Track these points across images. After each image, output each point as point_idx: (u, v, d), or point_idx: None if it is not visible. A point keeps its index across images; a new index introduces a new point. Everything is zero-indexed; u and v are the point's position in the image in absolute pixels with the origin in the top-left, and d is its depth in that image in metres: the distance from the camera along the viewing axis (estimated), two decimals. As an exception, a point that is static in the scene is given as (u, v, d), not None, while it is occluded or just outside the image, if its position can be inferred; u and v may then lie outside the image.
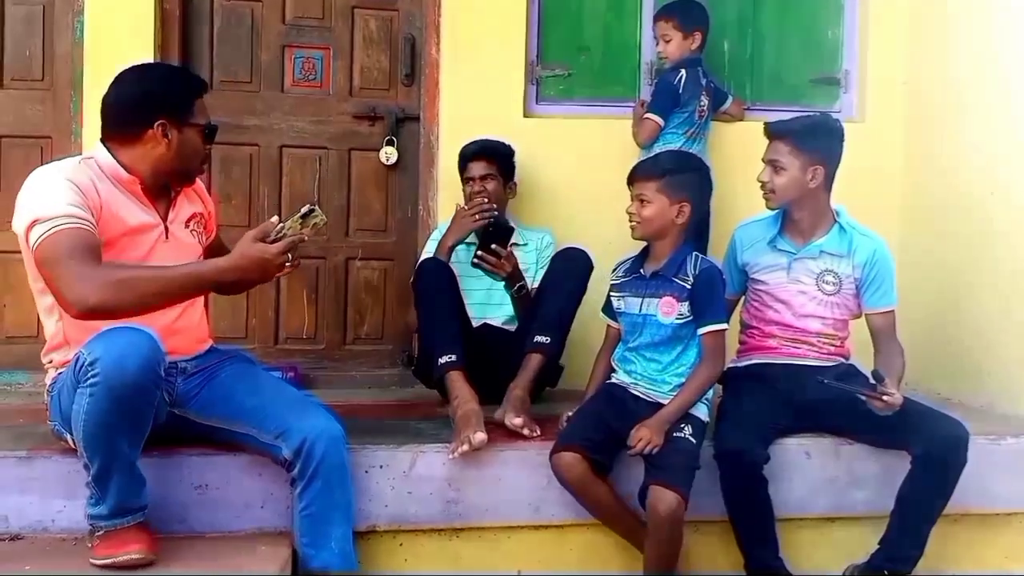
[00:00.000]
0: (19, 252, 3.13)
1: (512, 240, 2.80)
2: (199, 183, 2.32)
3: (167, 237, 2.14)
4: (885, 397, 2.20)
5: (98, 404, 1.82)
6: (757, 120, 3.40)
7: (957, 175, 3.18)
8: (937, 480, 2.27)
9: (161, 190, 2.16)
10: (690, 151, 3.05)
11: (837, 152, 2.50)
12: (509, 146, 3.01)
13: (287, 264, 1.98)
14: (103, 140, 2.13)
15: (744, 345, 2.62)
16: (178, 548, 2.04)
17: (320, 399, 2.23)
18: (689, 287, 2.29)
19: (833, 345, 2.54)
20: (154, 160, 2.09)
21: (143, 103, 2.09)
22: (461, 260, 2.82)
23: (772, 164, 2.48)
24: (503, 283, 2.74)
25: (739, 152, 3.38)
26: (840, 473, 2.48)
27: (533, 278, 2.87)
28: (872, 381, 2.24)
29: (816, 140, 2.47)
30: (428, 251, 2.92)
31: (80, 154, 2.19)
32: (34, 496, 2.13)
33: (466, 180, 2.95)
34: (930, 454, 2.26)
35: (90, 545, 1.96)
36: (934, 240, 3.21)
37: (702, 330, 2.29)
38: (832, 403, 2.37)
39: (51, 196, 1.93)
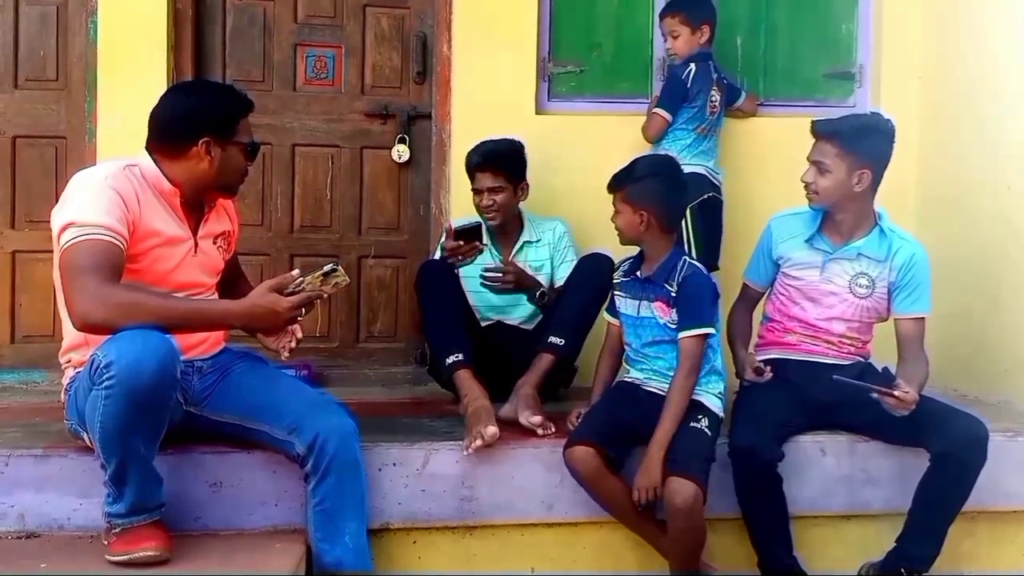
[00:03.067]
0: (33, 252, 3.24)
1: (523, 239, 2.85)
2: (229, 202, 2.34)
3: (196, 252, 2.16)
4: (897, 393, 2.18)
5: (114, 406, 1.83)
6: (770, 116, 3.43)
7: (973, 169, 3.15)
8: (955, 479, 2.25)
9: (195, 205, 2.19)
10: (689, 152, 3.03)
11: (886, 154, 2.41)
12: (517, 145, 2.87)
13: (299, 318, 2.01)
14: (148, 149, 2.15)
15: (762, 339, 2.60)
16: (193, 545, 2.05)
17: (334, 396, 2.23)
18: (675, 294, 2.28)
19: (854, 346, 2.51)
20: (196, 175, 2.12)
21: (189, 120, 2.11)
22: (485, 263, 2.83)
23: (817, 165, 2.40)
24: (526, 295, 2.76)
25: (752, 148, 3.38)
26: (856, 471, 2.46)
27: (549, 275, 2.87)
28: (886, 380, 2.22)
29: (865, 142, 2.38)
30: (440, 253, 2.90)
31: (119, 157, 2.19)
32: (50, 494, 2.15)
33: (475, 190, 2.86)
34: (948, 452, 2.24)
35: (106, 542, 1.97)
36: (950, 235, 3.18)
37: (681, 334, 2.26)
38: (848, 401, 2.35)
39: (92, 202, 1.96)
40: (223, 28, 3.32)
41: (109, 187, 2.00)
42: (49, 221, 3.12)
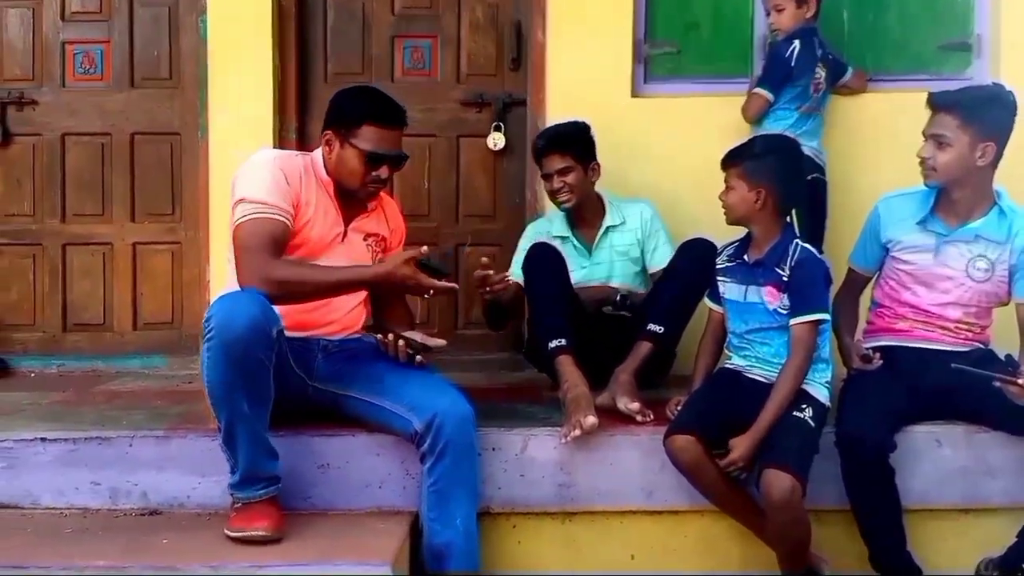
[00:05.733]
0: (153, 243, 3.43)
1: (606, 224, 2.85)
2: (399, 218, 2.48)
3: (343, 239, 2.30)
4: (1022, 381, 2.07)
5: (213, 359, 1.97)
6: (879, 92, 3.28)
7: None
8: (1084, 471, 2.12)
9: (354, 199, 2.32)
10: (791, 133, 2.91)
11: (1009, 127, 2.29)
12: (581, 125, 2.86)
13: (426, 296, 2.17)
14: None
15: (872, 325, 2.50)
16: (302, 524, 2.13)
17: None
18: (787, 279, 2.21)
19: (971, 332, 2.39)
20: (327, 165, 2.28)
21: (328, 111, 2.29)
22: (568, 254, 2.82)
23: (936, 139, 2.29)
24: (611, 306, 2.77)
25: (859, 126, 3.25)
26: (973, 462, 2.35)
27: (639, 258, 2.85)
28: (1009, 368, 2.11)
29: (988, 114, 2.26)
30: (522, 248, 2.88)
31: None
32: (171, 473, 2.26)
33: (544, 176, 2.86)
34: (1077, 444, 2.11)
35: (229, 517, 2.07)
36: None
37: (794, 321, 2.19)
38: (967, 389, 2.24)
39: (261, 181, 2.17)
40: (324, 24, 3.41)
41: (277, 167, 2.19)
42: (167, 214, 3.37)
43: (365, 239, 2.35)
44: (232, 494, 2.07)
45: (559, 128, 2.88)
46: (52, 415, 2.53)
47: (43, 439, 2.26)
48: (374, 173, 2.24)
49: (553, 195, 2.84)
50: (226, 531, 2.04)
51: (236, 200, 2.16)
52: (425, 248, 2.12)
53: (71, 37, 3.42)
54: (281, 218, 2.15)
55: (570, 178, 2.79)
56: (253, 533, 2.01)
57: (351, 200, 2.31)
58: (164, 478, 2.26)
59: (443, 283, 2.12)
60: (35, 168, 3.43)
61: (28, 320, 3.46)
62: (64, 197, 3.44)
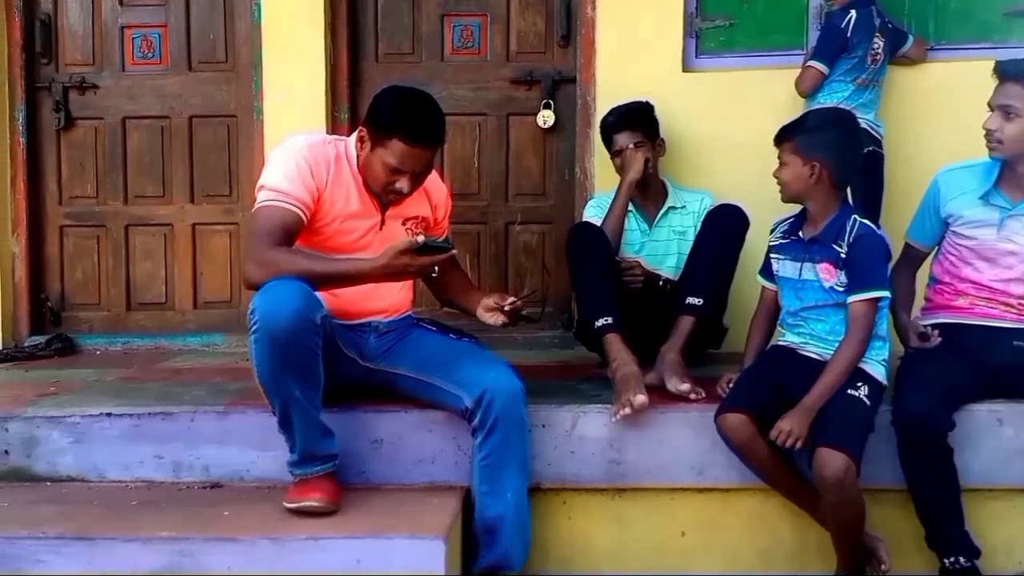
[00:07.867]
0: (211, 224, 3.51)
1: (668, 204, 2.86)
2: (441, 191, 2.44)
3: (381, 228, 2.27)
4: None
5: (260, 349, 2.00)
6: (940, 61, 3.18)
7: None
8: None
9: None
10: (847, 106, 2.84)
11: None
12: (647, 104, 2.91)
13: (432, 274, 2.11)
14: None
15: (930, 302, 2.45)
16: (357, 498, 2.17)
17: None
18: (844, 255, 2.17)
19: (1036, 307, 2.33)
20: (358, 158, 2.24)
21: (370, 106, 2.23)
22: (629, 227, 2.82)
23: (1003, 110, 2.23)
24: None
25: (918, 96, 3.16)
26: (1037, 442, 2.29)
27: (692, 242, 2.82)
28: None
29: None
30: (588, 218, 2.89)
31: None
32: (231, 448, 2.32)
33: (616, 152, 2.88)
34: None
35: (288, 490, 2.13)
36: None
37: (852, 298, 2.15)
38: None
39: (280, 169, 2.16)
40: (375, 4, 3.43)
41: (303, 156, 2.17)
42: (224, 196, 3.43)
43: (404, 223, 2.30)
44: (291, 471, 2.13)
45: (629, 106, 2.90)
46: (117, 391, 2.61)
47: (109, 414, 2.34)
48: (396, 185, 2.19)
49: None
50: (284, 503, 2.10)
51: (258, 186, 2.16)
52: (420, 237, 2.08)
53: (129, 21, 3.51)
54: (296, 208, 2.12)
55: (641, 152, 2.82)
56: (308, 504, 2.07)
57: None
58: (225, 452, 2.32)
59: (441, 256, 2.04)
60: (97, 151, 3.54)
61: (93, 299, 3.58)
62: (126, 179, 3.54)
